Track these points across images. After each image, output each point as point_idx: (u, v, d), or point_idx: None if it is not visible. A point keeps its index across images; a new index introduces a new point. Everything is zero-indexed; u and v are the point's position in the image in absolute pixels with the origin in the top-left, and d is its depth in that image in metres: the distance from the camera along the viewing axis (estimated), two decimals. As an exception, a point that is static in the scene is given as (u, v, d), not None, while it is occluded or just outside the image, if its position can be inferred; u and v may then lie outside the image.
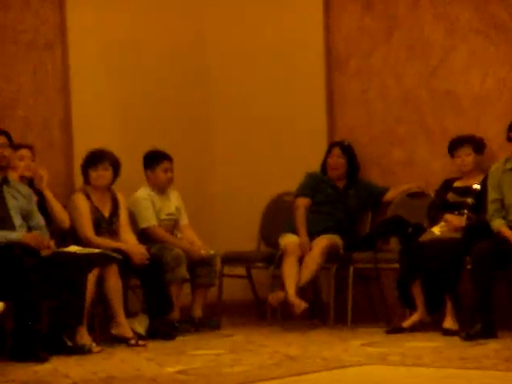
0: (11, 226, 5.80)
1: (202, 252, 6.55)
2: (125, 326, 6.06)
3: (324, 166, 6.88)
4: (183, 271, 6.40)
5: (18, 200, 5.91)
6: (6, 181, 5.92)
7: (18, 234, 5.69)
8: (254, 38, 7.22)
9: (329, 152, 6.86)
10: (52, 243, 5.83)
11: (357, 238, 6.75)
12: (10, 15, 6.54)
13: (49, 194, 6.18)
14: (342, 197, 6.81)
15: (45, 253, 5.75)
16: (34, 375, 5.17)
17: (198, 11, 7.26)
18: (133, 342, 6.00)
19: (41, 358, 5.46)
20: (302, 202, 6.77)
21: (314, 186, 6.82)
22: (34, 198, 6.01)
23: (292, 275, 6.44)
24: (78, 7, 6.73)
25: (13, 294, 5.51)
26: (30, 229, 5.91)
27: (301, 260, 6.53)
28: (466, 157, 6.40)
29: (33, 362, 5.42)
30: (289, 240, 6.61)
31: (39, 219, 5.97)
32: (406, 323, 6.25)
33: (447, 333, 6.00)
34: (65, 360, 5.52)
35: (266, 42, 7.19)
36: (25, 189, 6.02)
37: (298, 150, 7.12)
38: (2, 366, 5.41)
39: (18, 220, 5.86)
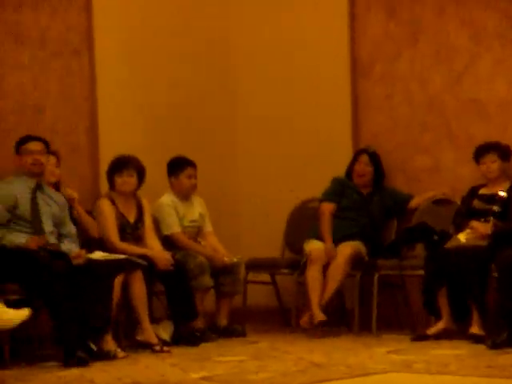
0: (41, 231, 5.85)
1: (226, 260, 6.54)
2: (149, 332, 6.07)
3: (350, 172, 6.86)
4: (207, 279, 6.40)
5: (51, 207, 5.96)
6: (40, 187, 5.97)
7: (25, 239, 5.70)
8: (279, 43, 7.22)
9: (356, 159, 6.84)
10: (83, 252, 5.86)
11: (381, 244, 6.73)
12: (38, 22, 6.58)
13: (81, 210, 6.24)
14: (366, 203, 6.78)
15: (76, 261, 5.79)
16: (59, 381, 5.19)
17: (223, 19, 7.26)
18: (157, 348, 6.01)
19: (81, 360, 5.47)
20: (328, 208, 6.76)
21: (340, 191, 6.80)
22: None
23: (316, 288, 6.43)
24: (105, 14, 6.76)
25: (41, 299, 5.53)
26: (60, 236, 5.96)
27: (326, 266, 6.52)
28: (492, 164, 6.36)
29: (73, 365, 5.44)
30: (314, 246, 6.60)
31: (71, 228, 6.02)
32: (432, 331, 6.21)
33: (474, 338, 5.95)
34: (90, 365, 5.52)
35: (291, 48, 7.19)
36: (58, 196, 6.08)
37: (323, 156, 7.11)
38: (27, 371, 5.44)
39: (48, 226, 5.90)
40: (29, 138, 5.99)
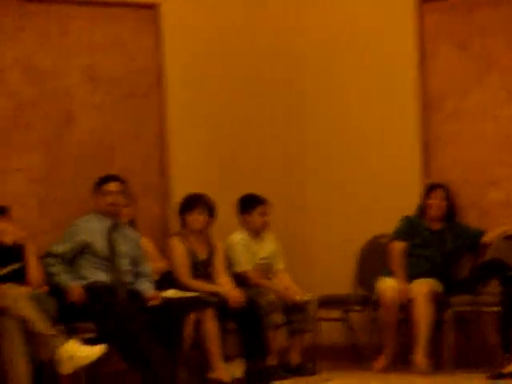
0: (117, 270, 5.94)
1: (297, 297, 6.52)
2: (222, 370, 6.06)
3: (422, 207, 6.81)
4: (278, 316, 6.36)
5: (127, 246, 6.05)
6: (116, 226, 6.07)
7: (71, 284, 5.75)
8: (349, 81, 7.21)
9: (430, 193, 6.79)
10: (159, 294, 5.92)
11: (454, 281, 6.64)
12: (109, 64, 6.71)
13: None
14: (438, 240, 6.72)
15: (152, 303, 5.85)
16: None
17: (298, 60, 7.30)
18: (230, 386, 6.01)
19: None
20: (399, 246, 6.71)
21: (410, 229, 6.75)
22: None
23: (391, 333, 6.40)
24: (175, 54, 6.85)
25: (115, 338, 5.57)
26: (135, 275, 6.03)
27: (400, 306, 6.45)
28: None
29: None
30: (386, 285, 6.53)
31: (146, 267, 6.10)
32: (508, 369, 6.08)
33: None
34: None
35: (361, 83, 7.18)
36: (134, 235, 6.16)
37: (393, 192, 7.07)
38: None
39: (124, 265, 5.99)
40: (107, 179, 6.10)
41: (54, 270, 5.83)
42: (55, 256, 5.88)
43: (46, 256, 5.89)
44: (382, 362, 6.45)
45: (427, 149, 7.03)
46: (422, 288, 6.45)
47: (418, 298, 6.40)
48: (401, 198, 6.96)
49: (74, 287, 5.75)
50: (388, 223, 6.82)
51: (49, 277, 5.81)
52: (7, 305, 5.16)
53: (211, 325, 6.06)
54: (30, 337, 5.15)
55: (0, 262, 5.71)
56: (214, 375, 6.07)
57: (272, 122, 7.21)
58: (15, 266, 5.74)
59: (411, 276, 6.56)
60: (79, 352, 5.20)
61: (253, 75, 7.11)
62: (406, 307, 6.49)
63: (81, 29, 6.60)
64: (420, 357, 6.28)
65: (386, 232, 6.88)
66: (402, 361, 6.50)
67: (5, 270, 5.70)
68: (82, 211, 6.22)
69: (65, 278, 5.80)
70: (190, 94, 6.92)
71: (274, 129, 7.22)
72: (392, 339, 6.44)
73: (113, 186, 6.06)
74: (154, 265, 6.24)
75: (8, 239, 5.74)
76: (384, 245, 6.89)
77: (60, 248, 5.90)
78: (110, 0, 6.65)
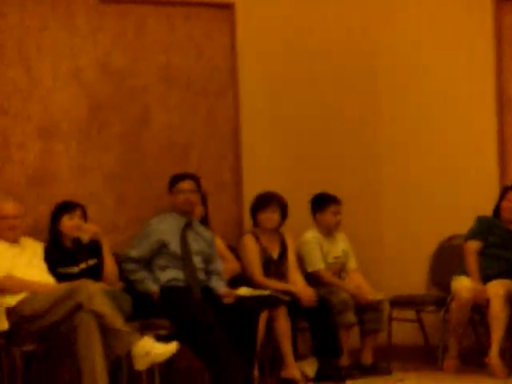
0: (192, 268, 5.99)
1: (369, 297, 6.49)
2: (294, 369, 6.07)
3: (497, 209, 6.71)
4: (350, 316, 6.35)
5: (200, 244, 6.09)
6: (190, 224, 6.11)
7: (154, 288, 5.85)
8: (424, 83, 7.15)
9: (504, 195, 6.69)
10: (233, 292, 5.96)
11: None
12: (185, 63, 6.77)
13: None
14: (515, 240, 6.62)
15: (227, 301, 5.89)
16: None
17: (375, 56, 7.26)
18: (301, 384, 6.01)
19: None
20: (473, 246, 6.62)
21: (486, 229, 6.65)
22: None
23: (458, 336, 6.36)
24: (249, 53, 6.88)
25: (189, 335, 5.62)
26: (207, 273, 6.08)
27: (474, 307, 6.38)
28: None
29: None
30: (462, 284, 6.46)
31: (218, 265, 6.14)
32: None
33: None
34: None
35: (438, 84, 7.11)
36: (207, 233, 6.20)
37: (468, 193, 6.99)
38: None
39: (198, 263, 6.04)
40: (182, 177, 6.15)
41: (137, 276, 5.92)
42: (134, 261, 5.96)
43: (124, 261, 5.97)
44: (452, 362, 6.37)
45: (504, 149, 6.93)
46: (499, 289, 6.36)
47: (494, 299, 6.30)
48: (477, 199, 6.88)
49: (157, 290, 5.85)
50: (463, 224, 6.74)
51: (133, 284, 5.90)
52: (83, 300, 5.24)
53: (283, 323, 6.07)
54: (105, 332, 5.22)
55: (77, 257, 5.82)
56: (286, 373, 6.08)
57: (347, 121, 7.16)
58: (91, 261, 5.84)
59: (487, 276, 6.48)
60: (155, 349, 5.25)
61: (329, 73, 7.08)
62: (479, 308, 6.41)
63: (156, 28, 6.67)
64: (494, 359, 6.19)
65: (461, 233, 6.80)
66: (475, 362, 6.42)
67: (81, 266, 5.81)
68: (157, 209, 6.29)
69: (150, 284, 5.89)
70: (264, 92, 6.94)
71: (349, 128, 7.17)
72: (459, 339, 6.36)
73: (187, 184, 6.11)
74: (225, 265, 6.27)
75: (84, 235, 5.85)
76: (458, 246, 6.81)
77: (137, 252, 5.97)
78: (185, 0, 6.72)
